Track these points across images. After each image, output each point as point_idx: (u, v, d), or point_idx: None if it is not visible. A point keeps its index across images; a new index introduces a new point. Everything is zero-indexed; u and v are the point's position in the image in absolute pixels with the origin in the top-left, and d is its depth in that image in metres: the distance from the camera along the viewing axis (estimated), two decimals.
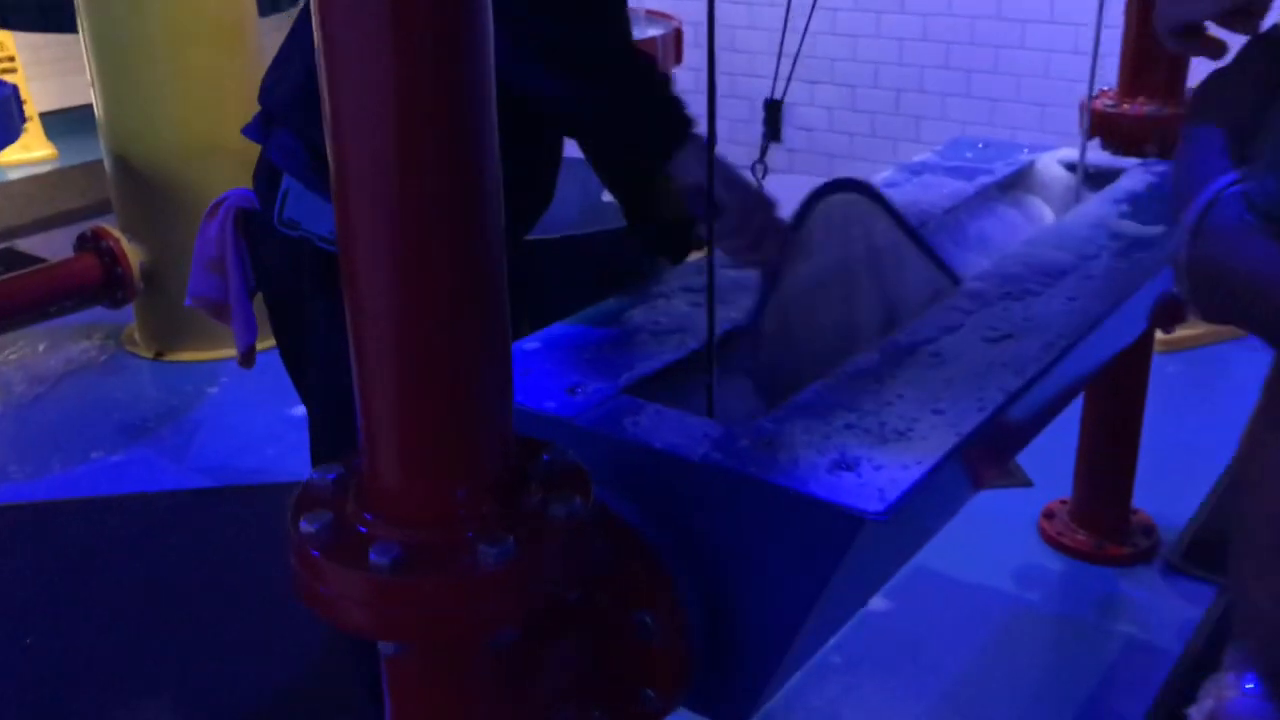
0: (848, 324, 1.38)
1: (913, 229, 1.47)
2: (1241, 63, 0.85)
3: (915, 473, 1.01)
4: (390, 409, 0.84)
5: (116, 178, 3.23)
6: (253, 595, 2.30)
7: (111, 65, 3.12)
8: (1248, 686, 0.87)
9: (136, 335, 3.38)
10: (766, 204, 1.31)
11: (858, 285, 1.40)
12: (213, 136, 3.09)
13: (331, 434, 1.42)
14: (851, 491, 0.98)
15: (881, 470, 1.00)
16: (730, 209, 1.26)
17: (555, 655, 1.01)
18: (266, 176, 1.35)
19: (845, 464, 1.01)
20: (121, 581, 2.35)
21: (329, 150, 0.79)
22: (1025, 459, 2.54)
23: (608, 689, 1.05)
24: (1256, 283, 0.75)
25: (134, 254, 3.18)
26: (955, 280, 1.47)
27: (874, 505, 0.96)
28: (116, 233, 3.19)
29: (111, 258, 3.15)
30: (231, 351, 3.30)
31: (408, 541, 0.83)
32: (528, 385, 1.18)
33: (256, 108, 1.42)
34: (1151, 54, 2.07)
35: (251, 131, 1.40)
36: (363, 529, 0.85)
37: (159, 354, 3.31)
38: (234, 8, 3.13)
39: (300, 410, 2.92)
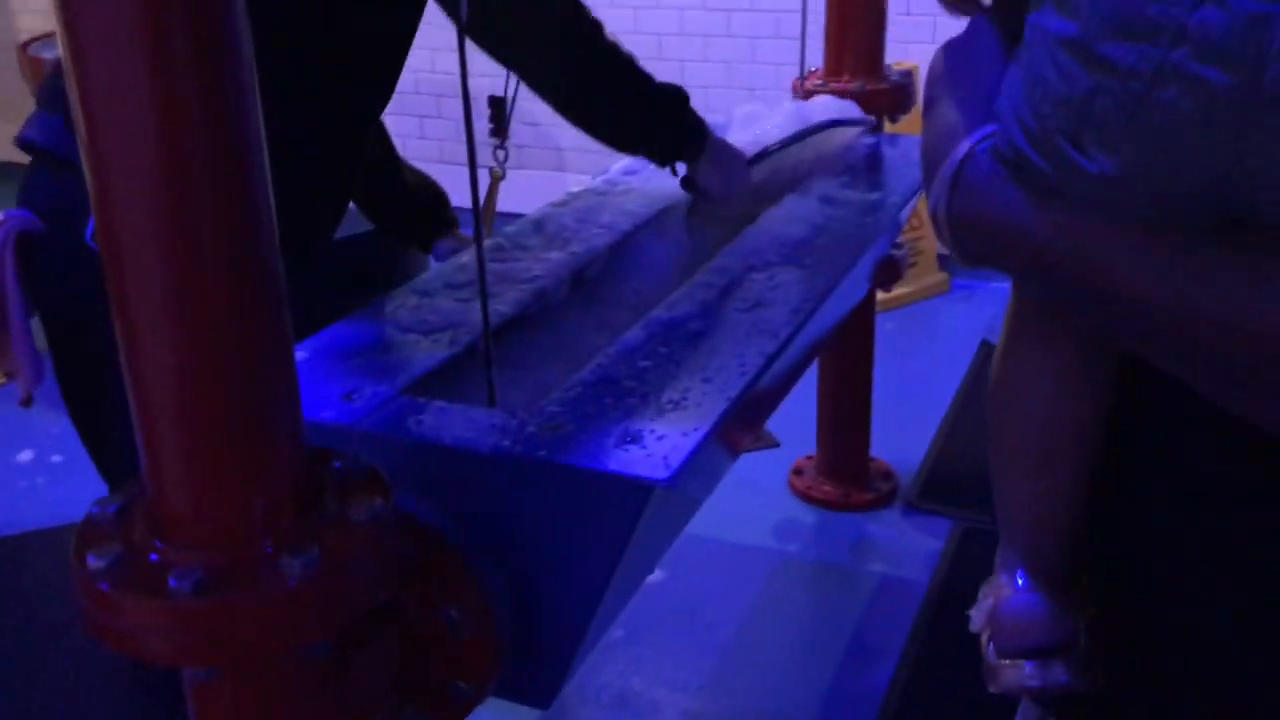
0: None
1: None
2: (975, 32, 0.94)
3: (694, 438, 1.07)
4: (174, 427, 0.81)
5: None
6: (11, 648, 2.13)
7: None
8: (1019, 582, 0.98)
9: None
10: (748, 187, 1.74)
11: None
12: None
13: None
14: (639, 462, 1.03)
15: (664, 439, 1.06)
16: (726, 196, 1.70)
17: (367, 659, 1.01)
18: (67, 191, 1.21)
19: (630, 437, 1.06)
20: None
21: (84, 157, 0.75)
22: (771, 422, 2.69)
23: (420, 685, 1.06)
24: (1008, 227, 0.82)
25: None
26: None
27: (661, 473, 1.02)
28: None
29: None
30: None
31: (207, 563, 0.81)
32: (302, 395, 1.16)
33: None
34: (852, 34, 2.23)
35: (47, 137, 1.26)
36: (155, 557, 0.83)
37: None
38: None
39: (27, 455, 2.71)
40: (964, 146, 0.85)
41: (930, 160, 0.89)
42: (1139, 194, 0.73)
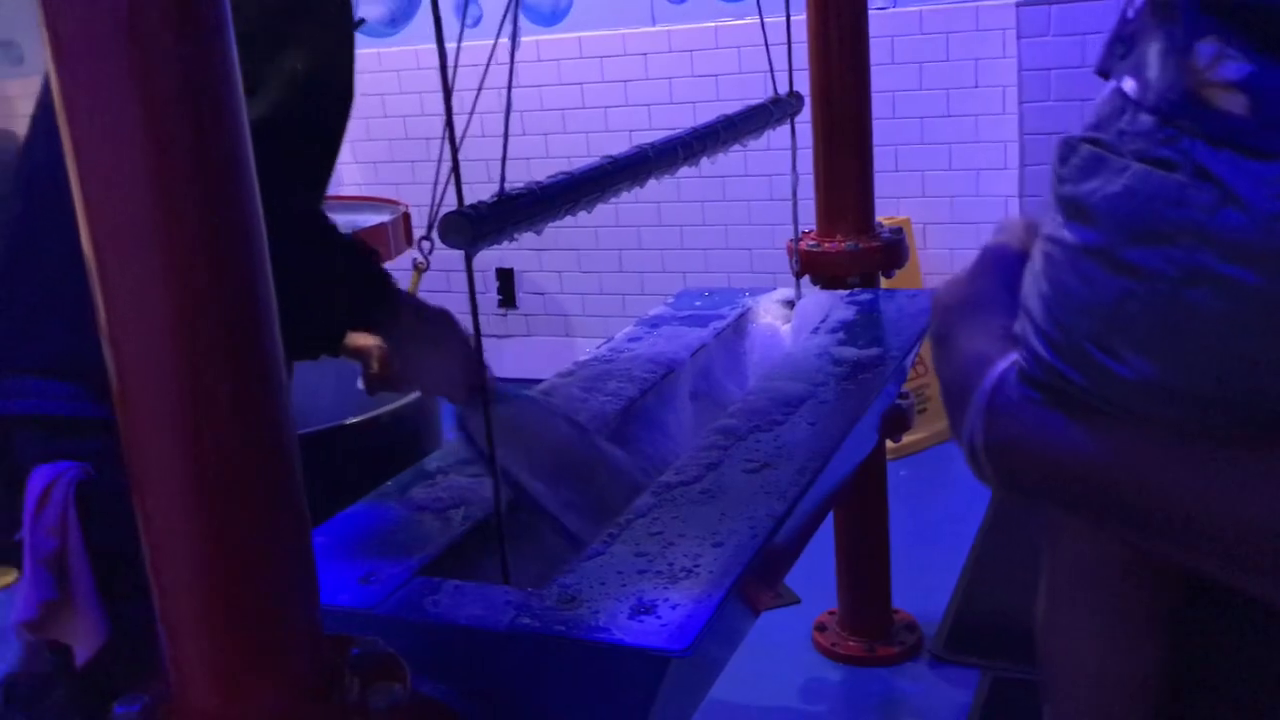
0: None
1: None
2: (982, 263, 0.92)
3: (708, 606, 1.08)
4: (194, 622, 0.83)
5: None
6: None
7: None
8: None
9: None
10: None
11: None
12: None
13: None
14: (654, 634, 1.03)
15: (678, 608, 1.07)
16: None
17: None
18: (97, 441, 1.19)
19: (644, 608, 1.07)
20: None
21: (107, 357, 0.79)
22: (791, 577, 2.68)
23: None
24: (1051, 452, 0.79)
25: None
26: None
27: (677, 643, 1.02)
28: None
29: None
30: None
31: None
32: (320, 580, 1.17)
33: None
34: (841, 195, 2.31)
35: (62, 406, 1.23)
36: None
37: None
38: None
39: None
40: (993, 375, 0.82)
41: (955, 396, 0.86)
42: (1179, 396, 0.71)
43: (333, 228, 1.33)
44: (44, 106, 1.29)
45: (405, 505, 1.37)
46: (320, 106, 1.25)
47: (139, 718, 0.87)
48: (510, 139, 1.24)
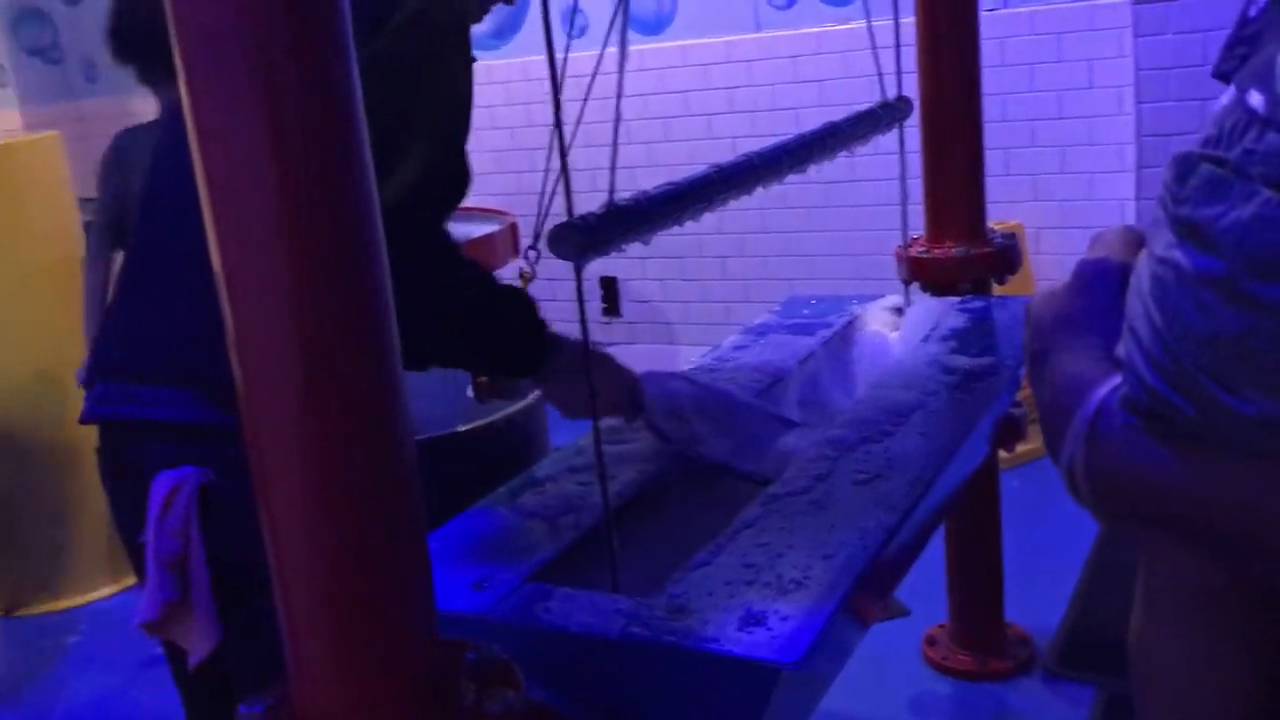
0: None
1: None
2: (1081, 280, 0.89)
3: (819, 618, 1.07)
4: (317, 626, 0.86)
5: None
6: None
7: None
8: None
9: None
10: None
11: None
12: (56, 377, 3.03)
13: None
14: (765, 645, 1.03)
15: (788, 620, 1.06)
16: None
17: None
18: (219, 447, 1.22)
19: (754, 619, 1.07)
20: None
21: (237, 378, 0.82)
22: (900, 589, 2.64)
23: None
24: (1158, 481, 0.76)
25: None
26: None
27: (788, 655, 1.01)
28: None
29: None
30: (89, 597, 3.17)
31: None
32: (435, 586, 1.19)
33: None
34: (951, 200, 2.27)
35: (187, 413, 1.25)
36: None
37: (9, 610, 3.14)
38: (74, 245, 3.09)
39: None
40: (1095, 399, 0.80)
41: (1054, 418, 0.84)
42: None
43: (492, 279, 1.38)
44: (174, 132, 1.34)
45: (516, 512, 1.39)
46: (454, 161, 1.29)
47: (264, 717, 0.89)
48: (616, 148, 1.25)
